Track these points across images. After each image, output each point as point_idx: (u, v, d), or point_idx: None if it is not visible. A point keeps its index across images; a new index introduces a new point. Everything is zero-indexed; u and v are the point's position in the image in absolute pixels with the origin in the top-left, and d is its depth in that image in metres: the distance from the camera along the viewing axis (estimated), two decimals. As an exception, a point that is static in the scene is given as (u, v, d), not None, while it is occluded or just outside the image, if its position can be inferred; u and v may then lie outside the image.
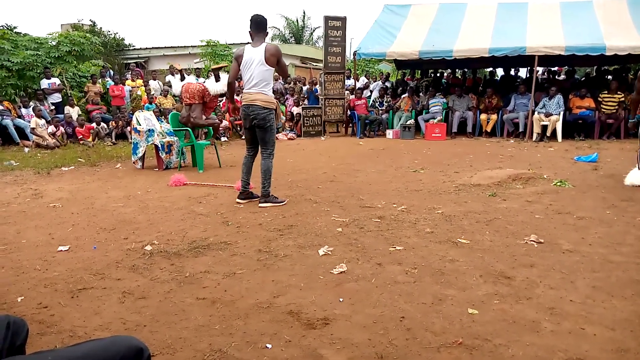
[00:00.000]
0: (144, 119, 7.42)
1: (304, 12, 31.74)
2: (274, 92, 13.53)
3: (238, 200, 4.90)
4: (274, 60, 4.49)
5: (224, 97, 10.99)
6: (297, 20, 29.36)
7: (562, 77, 14.27)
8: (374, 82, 14.78)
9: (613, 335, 2.17)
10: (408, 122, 11.13)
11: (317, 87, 12.77)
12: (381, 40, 11.40)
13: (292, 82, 14.20)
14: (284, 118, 11.99)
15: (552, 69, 14.98)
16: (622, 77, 12.10)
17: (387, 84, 13.97)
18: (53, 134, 10.14)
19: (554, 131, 9.83)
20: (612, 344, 2.10)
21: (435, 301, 2.55)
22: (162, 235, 3.83)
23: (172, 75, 13.52)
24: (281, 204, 4.74)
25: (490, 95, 11.08)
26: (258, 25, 4.51)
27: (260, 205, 4.72)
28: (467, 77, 15.96)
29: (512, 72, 14.61)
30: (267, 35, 4.62)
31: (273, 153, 4.77)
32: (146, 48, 19.48)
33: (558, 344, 2.10)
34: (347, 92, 12.18)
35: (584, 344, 2.09)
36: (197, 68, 14.57)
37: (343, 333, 2.23)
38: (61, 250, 3.50)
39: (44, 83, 11.47)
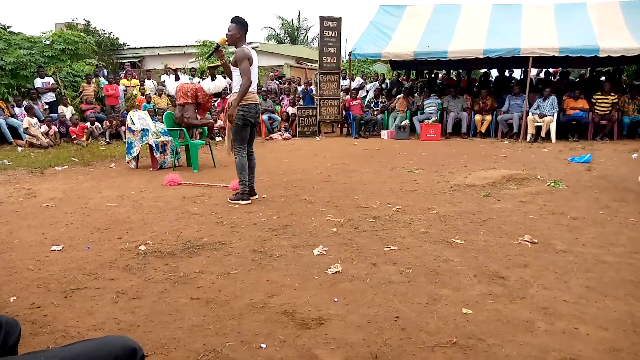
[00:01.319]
0: (138, 118, 7.39)
1: (299, 13, 31.80)
2: (268, 91, 13.53)
3: (252, 198, 4.97)
4: None
5: (220, 97, 10.96)
6: (292, 21, 29.36)
7: (557, 78, 14.34)
8: (371, 82, 14.81)
9: (606, 335, 2.18)
10: (403, 123, 11.16)
11: (313, 87, 12.77)
12: (376, 40, 11.43)
13: (287, 83, 14.21)
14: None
15: (549, 70, 15.06)
16: (616, 78, 12.18)
17: (383, 85, 14.00)
18: (46, 133, 10.08)
19: (548, 132, 9.88)
20: (605, 343, 2.11)
21: (430, 301, 2.56)
22: (156, 235, 3.81)
23: (167, 74, 13.49)
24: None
25: (484, 96, 11.12)
26: (246, 28, 4.67)
27: (254, 197, 4.99)
28: (461, 78, 16.01)
29: (507, 73, 14.68)
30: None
31: None
32: (141, 47, 19.41)
33: (551, 343, 2.11)
34: (342, 92, 12.19)
35: (578, 344, 2.11)
36: (192, 68, 14.54)
37: (337, 333, 2.23)
38: (54, 250, 3.48)
39: (38, 82, 11.40)
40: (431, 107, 11.24)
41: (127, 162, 7.36)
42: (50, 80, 11.68)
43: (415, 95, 12.48)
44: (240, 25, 4.57)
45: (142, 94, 12.20)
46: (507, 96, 10.89)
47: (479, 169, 6.58)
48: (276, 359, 2.03)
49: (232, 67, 4.67)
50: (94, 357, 1.13)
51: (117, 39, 20.12)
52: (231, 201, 4.83)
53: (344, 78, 13.31)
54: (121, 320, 2.38)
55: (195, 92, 7.05)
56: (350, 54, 11.33)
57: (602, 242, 3.52)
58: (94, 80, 12.49)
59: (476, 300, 2.55)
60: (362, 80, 15.26)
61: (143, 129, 7.17)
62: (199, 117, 7.33)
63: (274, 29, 29.39)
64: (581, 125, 10.10)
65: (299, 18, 29.35)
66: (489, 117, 10.91)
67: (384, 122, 11.78)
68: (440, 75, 15.96)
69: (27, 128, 9.84)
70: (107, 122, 11.02)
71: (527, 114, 10.08)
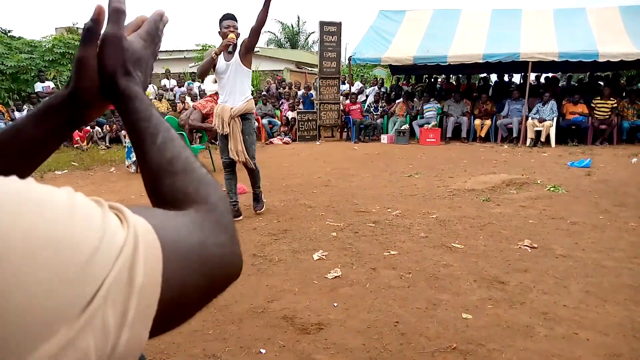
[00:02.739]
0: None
1: (299, 18, 31.86)
2: (270, 95, 13.45)
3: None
4: None
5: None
6: (292, 26, 29.46)
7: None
8: (371, 87, 14.84)
9: (606, 340, 2.18)
10: (403, 127, 11.16)
11: (312, 91, 12.80)
12: (376, 45, 11.46)
13: (288, 87, 14.24)
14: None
15: (548, 75, 15.08)
16: (615, 83, 12.21)
17: (382, 89, 14.04)
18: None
19: (548, 137, 9.89)
20: (605, 349, 2.11)
21: (430, 306, 2.55)
22: (156, 239, 3.81)
23: (167, 79, 13.51)
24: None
25: (484, 101, 11.14)
26: None
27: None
28: (461, 83, 16.05)
29: (506, 78, 14.71)
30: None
31: None
32: (141, 52, 19.45)
33: (551, 348, 2.11)
34: (342, 97, 12.22)
35: (577, 349, 2.10)
36: (192, 72, 14.58)
37: (337, 338, 2.22)
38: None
39: (38, 86, 11.44)
40: (431, 111, 11.26)
41: (127, 167, 7.37)
42: (51, 84, 11.71)
43: (415, 99, 12.51)
44: (237, 22, 4.24)
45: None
46: (507, 101, 10.91)
47: (478, 174, 6.58)
48: (276, 364, 2.03)
49: (243, 67, 4.23)
50: None
51: (118, 43, 20.19)
52: (261, 210, 4.60)
53: (344, 82, 13.34)
54: (120, 325, 2.37)
55: (211, 110, 7.29)
56: (350, 59, 11.36)
57: (601, 246, 3.52)
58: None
59: (476, 305, 2.55)
60: (361, 85, 15.29)
61: (143, 134, 7.20)
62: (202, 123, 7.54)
63: (274, 34, 29.50)
64: (581, 130, 10.11)
65: (299, 23, 29.47)
66: (488, 122, 10.91)
67: (383, 126, 11.79)
68: (439, 79, 15.99)
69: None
70: (107, 126, 11.04)
71: (527, 119, 10.10)
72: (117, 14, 0.55)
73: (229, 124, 4.29)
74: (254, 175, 4.51)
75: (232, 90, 4.26)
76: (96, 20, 0.54)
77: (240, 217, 4.48)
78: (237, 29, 4.20)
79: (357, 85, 15.22)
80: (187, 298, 0.39)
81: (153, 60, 0.63)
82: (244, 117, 4.32)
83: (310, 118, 11.71)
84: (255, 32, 4.11)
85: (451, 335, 2.23)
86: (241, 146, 4.32)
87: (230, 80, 4.24)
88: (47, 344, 0.28)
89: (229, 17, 4.22)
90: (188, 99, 11.49)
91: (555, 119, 9.92)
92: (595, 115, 10.04)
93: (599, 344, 2.14)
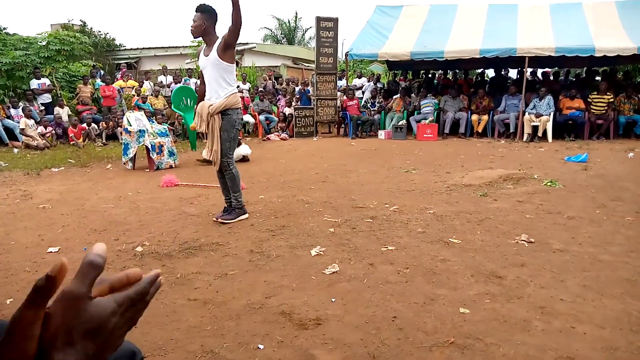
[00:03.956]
0: (135, 119, 7.39)
1: (296, 13, 31.75)
2: (267, 92, 13.39)
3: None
4: None
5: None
6: (289, 21, 29.37)
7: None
8: (367, 82, 14.81)
9: (603, 334, 2.19)
10: (400, 123, 11.16)
11: (309, 87, 12.77)
12: (373, 41, 11.44)
13: (285, 83, 14.21)
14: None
15: (545, 70, 15.08)
16: (612, 78, 12.22)
17: (379, 85, 14.02)
18: (43, 135, 10.05)
19: (545, 132, 9.91)
20: (602, 342, 2.11)
21: (427, 301, 2.56)
22: (153, 236, 3.81)
23: (164, 75, 13.47)
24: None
25: (481, 96, 11.14)
26: (216, 17, 4.08)
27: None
28: (457, 78, 16.05)
29: (503, 73, 14.70)
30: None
31: None
32: (137, 48, 19.36)
33: (549, 342, 2.12)
34: (339, 92, 12.20)
35: (574, 343, 2.11)
36: (189, 69, 14.53)
37: (335, 333, 2.23)
38: (51, 252, 3.47)
39: (34, 83, 11.39)
40: (428, 107, 11.25)
41: (124, 163, 7.35)
42: (47, 81, 11.65)
43: (412, 95, 12.50)
44: (207, 14, 3.93)
45: (138, 95, 12.17)
46: (504, 96, 10.92)
47: (475, 169, 6.59)
48: (274, 359, 2.03)
49: (222, 62, 3.93)
50: None
51: (113, 39, 20.07)
52: (229, 221, 4.14)
53: (341, 78, 13.31)
54: (118, 322, 2.37)
55: None
56: (347, 54, 11.34)
57: (598, 241, 3.53)
58: (90, 81, 12.46)
59: (473, 300, 2.56)
60: (365, 80, 15.18)
61: (140, 130, 7.16)
62: None
63: (270, 30, 29.41)
64: (577, 125, 10.13)
65: (296, 18, 29.37)
66: (485, 117, 10.92)
67: (381, 122, 11.79)
68: (437, 75, 15.97)
69: (24, 129, 9.81)
70: (104, 123, 11.00)
71: (524, 114, 10.11)
72: (89, 267, 0.43)
73: (207, 122, 4.05)
74: (229, 178, 4.16)
75: (211, 87, 4.04)
76: (51, 278, 0.41)
77: (246, 216, 4.29)
78: (195, 21, 3.92)
79: (364, 80, 15.14)
80: None
81: (125, 329, 0.49)
82: (224, 112, 4.03)
83: (308, 114, 11.69)
84: (233, 32, 3.85)
85: (449, 330, 2.24)
86: (216, 146, 4.05)
87: (209, 76, 4.03)
88: None
89: (196, 9, 3.93)
90: None
91: (552, 114, 9.94)
92: (592, 110, 10.06)
93: (596, 338, 2.15)
